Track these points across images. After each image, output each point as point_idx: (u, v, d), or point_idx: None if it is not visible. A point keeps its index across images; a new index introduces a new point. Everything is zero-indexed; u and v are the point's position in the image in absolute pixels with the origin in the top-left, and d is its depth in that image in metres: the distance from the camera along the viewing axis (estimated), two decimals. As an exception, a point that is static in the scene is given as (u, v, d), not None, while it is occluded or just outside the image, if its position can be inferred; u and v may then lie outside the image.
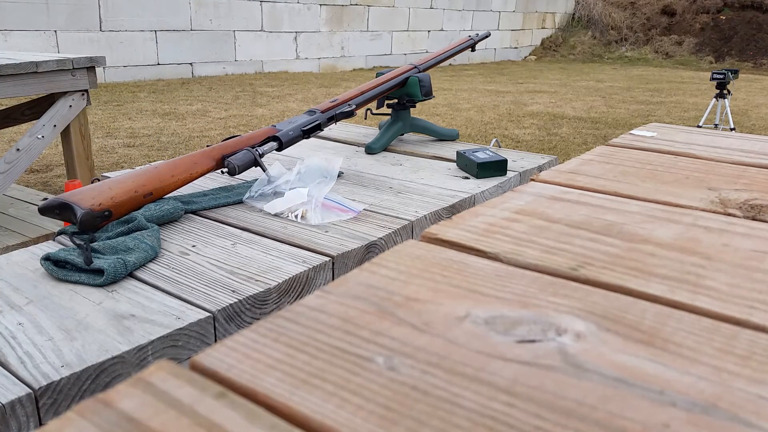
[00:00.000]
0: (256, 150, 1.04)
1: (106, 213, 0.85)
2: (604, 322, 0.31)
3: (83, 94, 2.27)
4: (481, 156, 1.21)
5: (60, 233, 0.88)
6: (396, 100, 1.40)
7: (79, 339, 0.62)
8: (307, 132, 1.14)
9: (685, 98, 6.75)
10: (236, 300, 0.69)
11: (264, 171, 1.04)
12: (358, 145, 1.46)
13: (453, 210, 1.03)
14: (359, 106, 1.24)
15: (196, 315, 0.66)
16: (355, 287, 0.34)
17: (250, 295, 0.71)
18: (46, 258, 0.76)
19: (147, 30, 6.39)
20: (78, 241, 0.80)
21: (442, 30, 9.89)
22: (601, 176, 0.57)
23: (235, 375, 0.26)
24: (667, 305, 0.33)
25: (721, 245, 0.41)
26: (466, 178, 1.19)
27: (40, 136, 2.15)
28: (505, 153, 1.36)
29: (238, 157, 1.01)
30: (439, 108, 5.66)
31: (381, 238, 0.88)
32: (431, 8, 9.62)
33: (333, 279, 0.79)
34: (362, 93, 1.26)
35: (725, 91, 4.46)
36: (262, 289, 0.72)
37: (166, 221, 0.91)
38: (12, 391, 0.54)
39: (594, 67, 10.34)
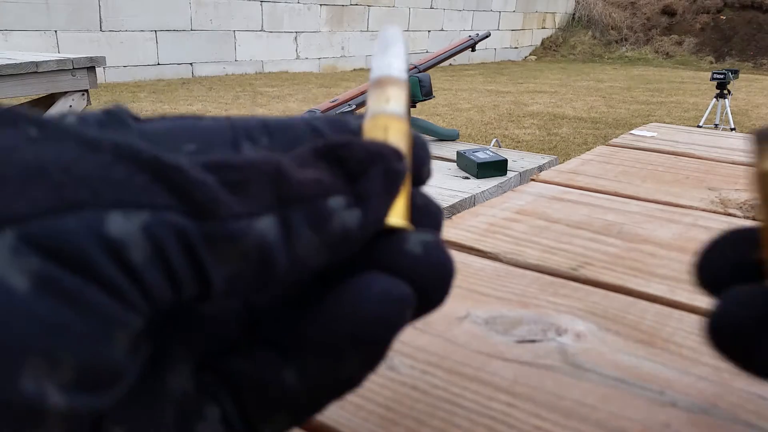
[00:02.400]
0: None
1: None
2: (604, 322, 0.31)
3: (83, 94, 2.27)
4: (481, 156, 1.21)
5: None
6: (396, 100, 1.40)
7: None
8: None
9: (685, 98, 6.75)
10: (236, 300, 0.69)
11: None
12: (358, 145, 1.45)
13: (453, 210, 1.03)
14: (359, 106, 1.24)
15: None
16: (355, 287, 0.34)
17: (250, 295, 0.71)
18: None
19: (147, 30, 6.39)
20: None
21: (442, 30, 9.89)
22: (601, 176, 0.57)
23: (235, 375, 0.26)
24: (667, 305, 0.33)
25: (721, 245, 0.41)
26: (466, 178, 1.19)
27: (40, 136, 2.14)
28: (505, 153, 1.36)
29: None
30: (439, 108, 5.66)
31: (381, 238, 0.88)
32: (431, 8, 9.62)
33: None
34: (362, 93, 1.27)
35: (725, 91, 4.46)
36: (262, 289, 0.72)
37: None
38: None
39: (594, 67, 10.34)
